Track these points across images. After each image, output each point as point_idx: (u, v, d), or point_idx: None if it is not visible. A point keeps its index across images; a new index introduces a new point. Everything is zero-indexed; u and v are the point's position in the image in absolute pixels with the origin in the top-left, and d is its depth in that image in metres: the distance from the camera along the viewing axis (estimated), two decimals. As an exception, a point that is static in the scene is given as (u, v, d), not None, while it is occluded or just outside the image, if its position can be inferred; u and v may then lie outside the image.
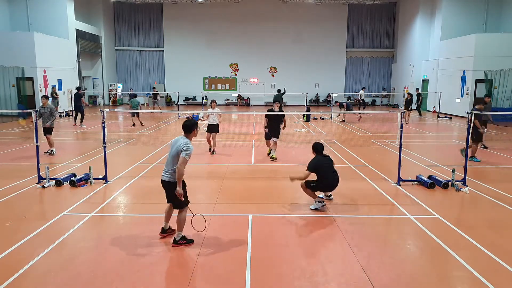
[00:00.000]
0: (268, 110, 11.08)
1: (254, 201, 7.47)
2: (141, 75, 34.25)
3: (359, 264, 4.87)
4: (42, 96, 11.70)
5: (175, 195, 5.17)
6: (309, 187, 6.90)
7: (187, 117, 21.59)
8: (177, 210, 5.40)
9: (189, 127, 5.37)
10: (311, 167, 6.85)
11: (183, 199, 5.26)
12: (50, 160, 10.84)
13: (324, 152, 7.22)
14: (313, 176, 6.90)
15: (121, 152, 12.27)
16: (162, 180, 5.34)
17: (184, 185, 5.33)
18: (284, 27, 32.71)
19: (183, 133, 5.38)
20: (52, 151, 11.56)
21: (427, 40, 27.85)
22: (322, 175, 6.90)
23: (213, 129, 11.67)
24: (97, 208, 6.90)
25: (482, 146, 12.63)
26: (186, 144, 5.16)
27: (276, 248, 5.34)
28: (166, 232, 5.67)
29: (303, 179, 6.86)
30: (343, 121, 21.06)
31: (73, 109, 19.59)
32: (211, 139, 11.76)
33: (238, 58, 33.68)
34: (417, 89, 25.31)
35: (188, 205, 5.42)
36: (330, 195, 7.41)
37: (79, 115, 18.23)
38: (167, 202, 5.49)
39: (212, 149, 11.87)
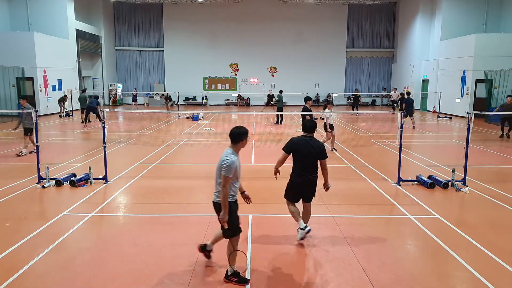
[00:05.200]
0: (303, 109, 12.02)
1: (254, 201, 7.41)
2: (141, 75, 34.26)
3: (359, 264, 4.87)
4: (21, 97, 11.44)
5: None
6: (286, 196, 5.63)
7: (187, 117, 21.69)
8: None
9: (236, 135, 4.46)
10: (286, 146, 5.43)
11: (226, 226, 4.42)
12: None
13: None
14: None
15: (121, 152, 12.27)
16: (212, 201, 4.57)
17: (235, 208, 4.53)
18: (284, 27, 32.71)
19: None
20: (32, 151, 11.45)
21: (427, 40, 27.84)
22: (295, 166, 5.44)
23: (330, 127, 12.45)
24: (97, 208, 6.90)
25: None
26: (225, 158, 4.32)
27: (276, 248, 5.34)
28: (205, 250, 4.91)
29: (278, 164, 5.55)
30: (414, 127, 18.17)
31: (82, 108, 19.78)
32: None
33: (238, 58, 33.68)
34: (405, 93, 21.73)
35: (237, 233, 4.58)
36: (306, 227, 5.38)
37: (88, 115, 18.78)
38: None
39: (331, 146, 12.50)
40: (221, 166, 4.31)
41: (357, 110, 25.51)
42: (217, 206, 4.50)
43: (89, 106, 18.54)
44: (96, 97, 20.26)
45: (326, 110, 12.42)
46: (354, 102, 25.97)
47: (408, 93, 19.38)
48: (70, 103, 24.76)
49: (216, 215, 4.56)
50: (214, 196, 4.53)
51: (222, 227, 4.49)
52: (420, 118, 22.89)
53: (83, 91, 20.77)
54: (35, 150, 11.38)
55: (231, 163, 4.28)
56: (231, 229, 4.47)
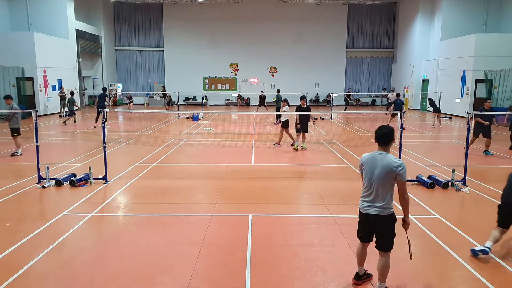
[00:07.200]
0: (297, 108, 12.60)
1: (254, 201, 7.46)
2: (141, 75, 34.26)
3: (359, 264, 4.86)
4: (4, 97, 11.35)
5: (388, 234, 4.14)
6: None
7: (187, 117, 21.70)
8: (379, 253, 4.21)
9: (388, 135, 4.02)
10: None
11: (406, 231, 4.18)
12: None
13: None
14: None
15: (121, 152, 12.27)
16: (368, 214, 4.12)
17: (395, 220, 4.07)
18: (284, 27, 32.71)
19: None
20: (16, 152, 11.49)
21: (427, 40, 27.85)
22: None
23: (284, 125, 13.24)
24: (97, 208, 6.90)
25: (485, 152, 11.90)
26: (395, 163, 3.93)
27: (276, 248, 5.34)
28: (361, 278, 4.43)
29: None
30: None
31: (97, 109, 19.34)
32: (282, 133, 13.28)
33: (238, 58, 33.68)
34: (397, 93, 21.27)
35: None
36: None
37: (100, 115, 18.24)
38: (364, 241, 4.35)
39: (278, 142, 13.36)
40: (397, 173, 3.93)
41: (344, 110, 25.64)
42: (381, 220, 4.09)
43: (99, 105, 18.09)
44: (104, 89, 19.78)
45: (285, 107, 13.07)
46: (345, 102, 26.20)
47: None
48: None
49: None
50: (374, 208, 4.07)
51: (381, 242, 4.17)
52: (420, 118, 22.90)
53: (72, 93, 19.85)
54: (17, 153, 11.41)
55: (405, 166, 3.96)
56: (392, 241, 4.18)
